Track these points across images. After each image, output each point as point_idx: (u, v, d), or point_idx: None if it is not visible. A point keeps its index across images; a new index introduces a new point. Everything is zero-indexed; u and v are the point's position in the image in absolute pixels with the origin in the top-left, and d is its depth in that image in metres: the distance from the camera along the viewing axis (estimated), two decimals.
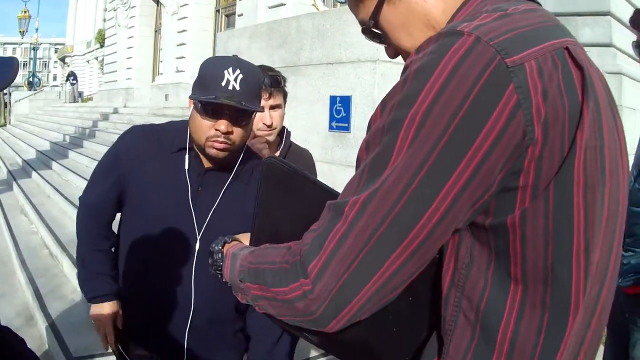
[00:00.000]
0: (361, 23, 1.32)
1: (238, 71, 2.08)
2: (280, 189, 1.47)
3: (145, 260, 2.22)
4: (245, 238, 1.56)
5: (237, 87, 2.06)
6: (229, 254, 1.41)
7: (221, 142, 2.10)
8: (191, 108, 2.21)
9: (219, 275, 1.49)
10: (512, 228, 1.00)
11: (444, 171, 0.95)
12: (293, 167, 1.45)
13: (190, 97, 2.20)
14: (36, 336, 5.02)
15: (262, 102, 2.63)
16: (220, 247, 1.53)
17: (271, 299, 1.11)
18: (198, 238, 2.17)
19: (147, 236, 2.19)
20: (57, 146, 16.35)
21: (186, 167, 2.20)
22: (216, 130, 2.09)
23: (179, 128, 2.31)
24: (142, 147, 2.24)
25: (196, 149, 2.21)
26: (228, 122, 2.09)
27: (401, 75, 1.05)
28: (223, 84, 2.05)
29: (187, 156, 2.21)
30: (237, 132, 2.14)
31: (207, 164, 2.23)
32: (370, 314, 1.02)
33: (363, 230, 0.97)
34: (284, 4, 15.24)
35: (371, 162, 1.01)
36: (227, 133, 2.09)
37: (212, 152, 2.12)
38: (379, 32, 1.29)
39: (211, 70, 2.13)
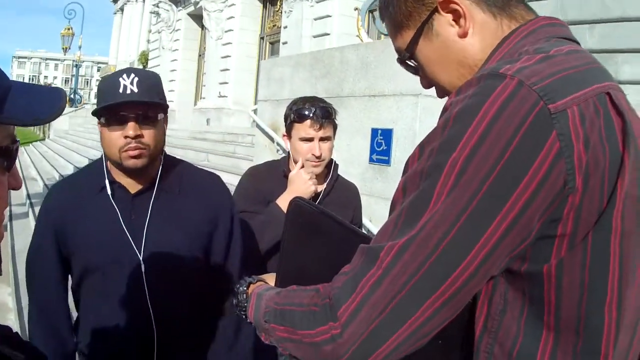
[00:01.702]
0: (397, 52, 1.34)
1: (133, 75, 2.07)
2: (307, 230, 1.49)
3: (98, 306, 2.15)
4: (270, 278, 1.57)
5: (135, 89, 2.04)
6: (254, 294, 1.41)
7: (134, 148, 2.07)
8: (99, 132, 2.18)
9: (243, 316, 1.49)
10: (547, 276, 0.99)
11: (484, 220, 0.94)
12: (320, 209, 1.48)
13: (98, 121, 2.16)
14: None
15: (312, 134, 2.73)
16: (245, 288, 1.52)
17: (297, 342, 1.10)
18: (141, 259, 2.11)
19: (95, 281, 2.14)
20: (77, 169, 16.38)
21: (112, 201, 2.16)
22: (126, 137, 2.05)
23: (92, 169, 2.28)
24: (64, 202, 2.21)
25: (116, 173, 2.19)
26: (135, 124, 2.05)
27: (441, 116, 1.04)
28: (120, 90, 2.03)
29: (109, 190, 2.17)
30: (148, 134, 2.09)
31: (132, 189, 2.19)
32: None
33: (398, 277, 0.96)
34: (328, 34, 15.46)
35: (409, 207, 1.00)
36: (138, 137, 2.06)
37: (130, 162, 2.08)
38: (413, 64, 1.32)
39: (107, 82, 2.12)
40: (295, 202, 1.50)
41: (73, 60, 38.90)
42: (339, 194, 2.95)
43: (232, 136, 14.86)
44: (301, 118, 2.76)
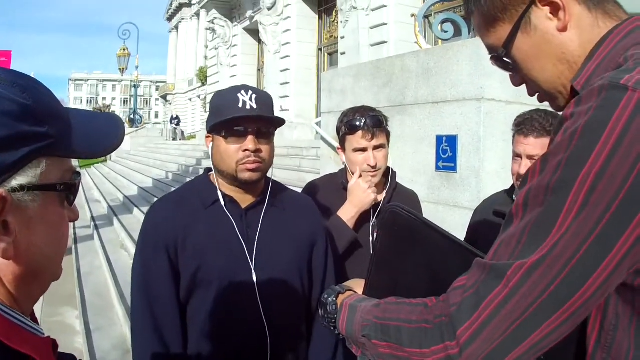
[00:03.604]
0: (490, 49, 1.32)
1: (250, 92, 2.18)
2: (403, 238, 1.46)
3: (211, 316, 2.17)
4: (357, 286, 1.56)
5: (255, 105, 2.15)
6: (346, 305, 1.39)
7: (253, 162, 2.16)
8: (210, 146, 2.29)
9: (332, 327, 1.48)
10: None
11: (611, 239, 0.93)
12: (419, 217, 1.45)
13: (209, 132, 2.28)
14: None
15: (365, 144, 2.76)
16: (334, 298, 1.51)
17: (404, 359, 1.10)
18: (253, 269, 2.18)
19: (209, 291, 2.17)
20: (160, 183, 16.78)
21: (229, 215, 2.23)
22: (244, 151, 2.15)
23: (200, 184, 2.35)
24: (173, 218, 2.23)
25: (226, 188, 2.27)
26: (254, 138, 2.15)
27: (560, 126, 1.03)
28: (240, 105, 2.14)
29: (222, 202, 2.24)
30: (265, 150, 2.19)
31: (242, 203, 2.27)
32: None
33: (525, 297, 0.96)
34: (386, 42, 15.50)
35: (534, 223, 0.99)
36: (257, 151, 2.16)
37: (246, 175, 2.17)
38: (509, 60, 1.28)
39: (224, 98, 2.23)
40: (392, 210, 1.48)
41: (131, 81, 39.35)
42: (399, 202, 2.81)
43: (297, 150, 14.96)
44: (353, 129, 2.79)
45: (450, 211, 4.72)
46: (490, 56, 1.32)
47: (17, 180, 0.82)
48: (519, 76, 1.30)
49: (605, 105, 0.95)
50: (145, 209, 12.44)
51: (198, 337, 2.19)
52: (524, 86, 1.33)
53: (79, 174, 0.97)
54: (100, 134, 0.99)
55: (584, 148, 0.95)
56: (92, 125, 0.99)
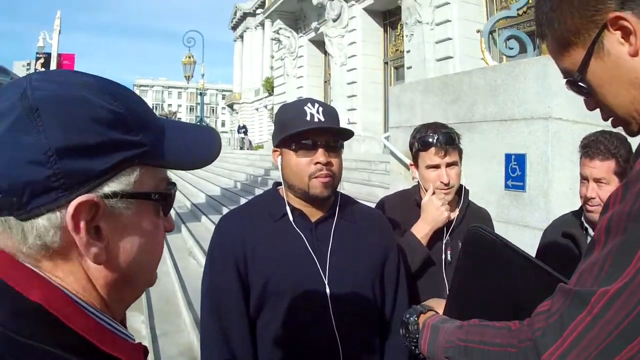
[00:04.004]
0: (564, 73, 1.30)
1: (317, 105, 2.17)
2: (485, 260, 1.48)
3: (282, 330, 2.17)
4: (437, 306, 1.58)
5: (322, 118, 2.14)
6: (428, 325, 1.41)
7: (325, 175, 2.15)
8: (279, 160, 2.27)
9: (413, 347, 1.50)
10: None
11: None
12: (502, 239, 1.47)
13: (277, 146, 2.26)
14: None
15: (438, 160, 2.74)
16: (415, 318, 1.52)
17: None
18: (326, 283, 2.17)
19: (280, 305, 2.17)
20: (228, 192, 16.84)
21: (297, 229, 2.22)
22: (316, 163, 2.14)
23: (269, 198, 2.37)
24: (241, 231, 2.23)
25: (295, 202, 2.27)
26: (324, 151, 2.14)
27: (638, 154, 1.05)
28: (308, 118, 2.13)
29: (291, 217, 2.24)
30: (335, 163, 2.19)
31: (312, 216, 2.27)
32: None
33: (608, 323, 0.97)
34: (452, 57, 15.40)
35: (617, 251, 1.00)
36: (328, 164, 2.14)
37: (318, 189, 2.16)
38: (584, 85, 1.26)
39: (290, 112, 2.24)
40: (475, 231, 1.50)
41: (197, 89, 39.51)
42: (472, 220, 2.82)
43: (365, 163, 14.88)
44: (425, 146, 2.77)
45: (519, 231, 4.66)
46: (565, 80, 1.31)
47: (110, 187, 0.83)
48: (593, 100, 1.28)
49: None
50: (214, 217, 12.68)
51: (268, 351, 2.19)
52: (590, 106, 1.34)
53: (174, 184, 0.97)
54: (195, 147, 0.98)
55: None
56: (188, 137, 0.99)
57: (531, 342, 1.04)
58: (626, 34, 1.15)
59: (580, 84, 1.25)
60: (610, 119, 1.30)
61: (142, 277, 0.96)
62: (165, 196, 0.93)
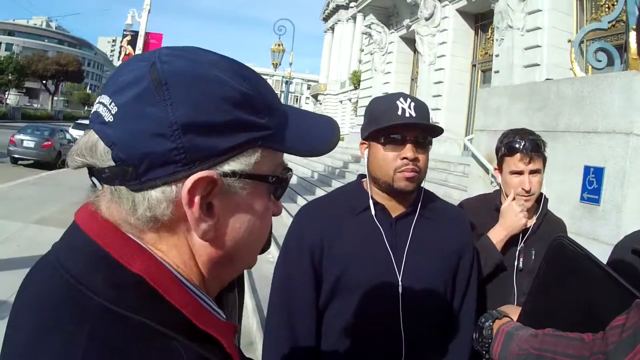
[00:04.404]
0: None
1: (409, 100, 2.15)
2: (566, 270, 1.49)
3: (349, 323, 2.18)
4: (512, 312, 1.62)
5: (414, 114, 2.12)
6: (502, 331, 1.44)
7: (411, 170, 2.13)
8: (365, 153, 2.28)
9: (484, 352, 1.55)
10: None
11: None
12: (585, 251, 1.48)
13: (365, 139, 2.27)
14: None
15: (522, 167, 2.76)
16: (490, 323, 1.56)
17: None
18: (400, 280, 2.16)
19: (351, 299, 2.18)
20: (304, 181, 16.97)
21: (378, 223, 2.22)
22: (403, 158, 2.12)
23: (352, 190, 2.37)
24: (320, 223, 2.25)
25: (378, 196, 2.26)
26: (413, 146, 2.13)
27: None
28: (399, 112, 2.11)
29: (372, 211, 2.23)
30: (422, 159, 2.16)
31: (393, 212, 2.25)
32: None
33: None
34: (539, 65, 15.20)
35: None
36: (415, 160, 2.13)
37: (402, 183, 2.14)
38: None
39: (382, 105, 2.22)
40: (559, 241, 1.51)
41: (283, 77, 39.41)
42: (547, 229, 2.87)
43: (444, 164, 14.79)
44: (511, 151, 2.79)
45: (589, 244, 4.42)
46: None
47: (231, 166, 0.83)
48: None
49: None
50: (288, 206, 12.69)
51: (331, 343, 2.20)
52: None
53: (289, 169, 0.96)
54: (315, 134, 0.97)
55: None
56: (309, 124, 0.98)
57: (603, 356, 1.07)
58: None
59: None
60: None
61: (245, 258, 0.96)
62: (281, 180, 0.92)
